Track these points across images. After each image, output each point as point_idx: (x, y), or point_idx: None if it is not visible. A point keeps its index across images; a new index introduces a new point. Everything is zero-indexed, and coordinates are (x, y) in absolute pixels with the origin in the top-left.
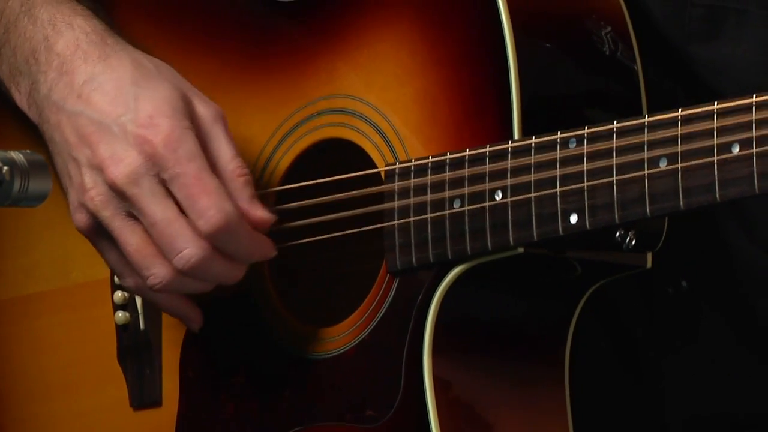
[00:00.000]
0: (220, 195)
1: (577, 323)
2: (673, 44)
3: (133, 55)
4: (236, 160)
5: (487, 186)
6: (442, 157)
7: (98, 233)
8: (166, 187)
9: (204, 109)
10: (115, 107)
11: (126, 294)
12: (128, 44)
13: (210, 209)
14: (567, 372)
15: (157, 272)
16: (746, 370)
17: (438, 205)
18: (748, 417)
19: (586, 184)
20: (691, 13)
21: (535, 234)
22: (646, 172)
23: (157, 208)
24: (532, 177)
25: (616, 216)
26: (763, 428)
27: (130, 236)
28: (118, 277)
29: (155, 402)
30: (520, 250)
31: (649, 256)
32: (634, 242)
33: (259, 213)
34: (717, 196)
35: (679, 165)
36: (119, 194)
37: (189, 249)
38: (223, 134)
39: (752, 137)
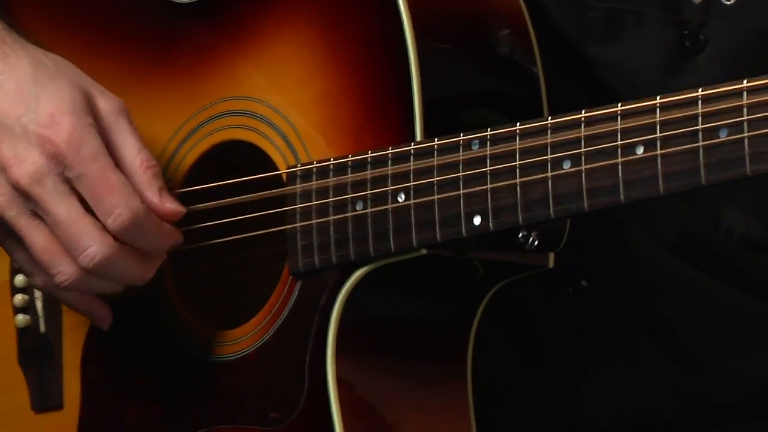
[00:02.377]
0: (126, 191)
1: (480, 324)
2: (573, 46)
3: (33, 54)
4: (142, 153)
5: (389, 188)
6: (344, 159)
7: (5, 233)
8: (71, 185)
9: (106, 104)
10: (16, 107)
11: (26, 297)
12: (27, 43)
13: (117, 207)
14: (470, 372)
15: (64, 270)
16: (654, 370)
17: (340, 207)
18: (659, 419)
19: (489, 185)
20: (590, 15)
21: (438, 235)
22: (549, 173)
23: (61, 207)
24: (435, 179)
25: (520, 217)
26: (677, 430)
27: (35, 236)
28: (26, 276)
29: (57, 405)
30: (424, 251)
31: (552, 256)
32: (536, 243)
33: (169, 205)
34: (622, 197)
35: (583, 166)
36: (23, 194)
37: (94, 247)
38: (126, 127)
39: (656, 138)
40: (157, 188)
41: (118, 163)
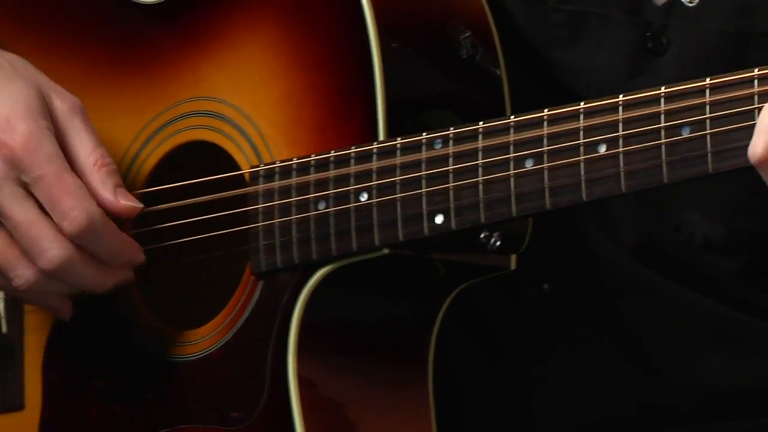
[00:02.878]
0: (82, 194)
1: (442, 325)
2: (536, 49)
3: None
4: (97, 151)
5: (352, 187)
6: (307, 159)
7: None
8: (27, 189)
9: (61, 103)
10: None
11: None
12: None
13: (73, 210)
14: (431, 373)
15: (21, 273)
16: (614, 373)
17: (303, 206)
18: (618, 421)
19: (451, 184)
20: (553, 18)
21: (400, 235)
22: (512, 172)
23: (19, 211)
24: (398, 178)
25: (482, 216)
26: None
27: None
28: None
29: (18, 406)
30: (386, 251)
31: (514, 257)
32: (498, 243)
33: (124, 202)
34: (584, 195)
35: (545, 165)
36: None
37: (52, 250)
38: (81, 126)
39: (619, 136)
40: (112, 186)
41: (73, 162)
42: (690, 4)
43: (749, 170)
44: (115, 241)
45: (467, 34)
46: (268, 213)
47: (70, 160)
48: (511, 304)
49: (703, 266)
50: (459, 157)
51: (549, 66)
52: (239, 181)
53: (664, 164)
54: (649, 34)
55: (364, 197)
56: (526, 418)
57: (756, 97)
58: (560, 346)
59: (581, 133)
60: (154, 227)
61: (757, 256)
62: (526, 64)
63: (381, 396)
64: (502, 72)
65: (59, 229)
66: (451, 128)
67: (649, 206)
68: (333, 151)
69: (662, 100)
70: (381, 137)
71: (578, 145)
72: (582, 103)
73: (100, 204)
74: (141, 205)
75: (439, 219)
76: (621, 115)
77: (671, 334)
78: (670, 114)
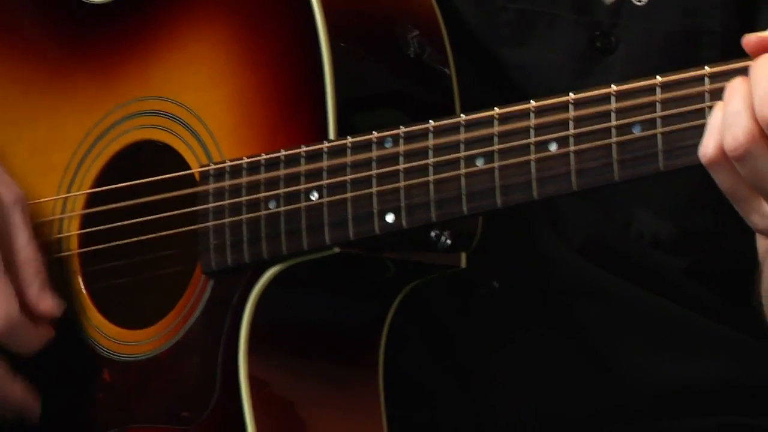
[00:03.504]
0: (6, 297)
1: (392, 324)
2: (486, 48)
3: None
4: (29, 247)
5: (302, 186)
6: (257, 158)
7: None
8: None
9: (6, 193)
10: None
11: None
12: None
13: None
14: (381, 372)
15: None
16: (566, 370)
17: (253, 205)
18: (569, 418)
19: (402, 183)
20: (501, 17)
21: (351, 234)
22: (462, 170)
23: None
24: (348, 177)
25: (433, 215)
26: (587, 429)
27: None
28: None
29: None
30: (336, 249)
31: (464, 256)
32: (449, 242)
33: (46, 304)
34: (535, 193)
35: (496, 164)
36: None
37: None
38: (20, 220)
39: (570, 135)
40: (38, 285)
41: (7, 252)
42: (639, 4)
43: (700, 168)
44: (31, 340)
45: (415, 33)
46: (219, 212)
47: (6, 250)
48: (461, 302)
49: (652, 264)
50: (409, 156)
51: (498, 65)
52: (189, 180)
53: (615, 163)
54: (598, 33)
55: (314, 196)
56: (475, 415)
57: (707, 95)
58: (510, 343)
59: (532, 131)
60: (104, 227)
61: (707, 255)
62: (475, 63)
63: (332, 395)
64: (452, 71)
65: None
66: (402, 127)
67: (599, 204)
68: (283, 151)
69: (613, 98)
70: (331, 136)
71: (529, 144)
72: (532, 102)
73: (25, 300)
74: (61, 307)
75: (389, 218)
76: (572, 113)
77: (621, 331)
78: (621, 112)
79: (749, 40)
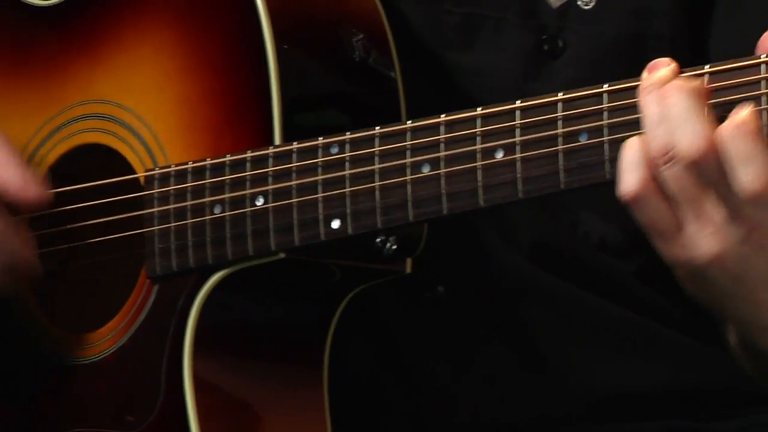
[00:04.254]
0: None
1: (337, 328)
2: (432, 53)
3: None
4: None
5: (248, 191)
6: (203, 163)
7: None
8: None
9: None
10: None
11: None
12: None
13: None
14: (326, 375)
15: None
16: (512, 374)
17: (198, 210)
18: (514, 423)
19: (348, 189)
20: (447, 20)
21: (296, 239)
22: (408, 177)
23: None
24: (294, 182)
25: (379, 221)
26: None
27: None
28: None
29: None
30: (282, 255)
31: (409, 261)
32: (394, 247)
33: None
34: (481, 201)
35: (442, 170)
36: None
37: None
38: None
39: (516, 142)
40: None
41: None
42: (586, 7)
43: None
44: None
45: (360, 37)
46: (164, 217)
47: None
48: (406, 306)
49: (599, 268)
50: (355, 161)
51: (445, 69)
52: (134, 184)
53: (561, 170)
54: (544, 36)
55: (260, 201)
56: (420, 419)
57: None
58: (455, 348)
59: (478, 138)
60: (48, 231)
61: (653, 258)
62: (421, 67)
63: (277, 398)
64: (397, 75)
65: None
66: (348, 133)
67: (546, 208)
68: (228, 155)
69: (560, 105)
70: (277, 141)
71: (475, 151)
72: (479, 109)
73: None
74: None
75: (335, 224)
76: (518, 120)
77: (567, 335)
78: (567, 120)
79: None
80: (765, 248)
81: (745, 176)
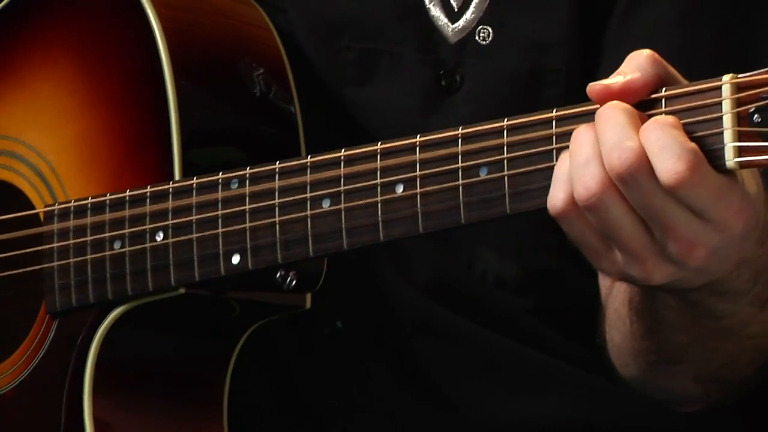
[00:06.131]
0: None
1: (237, 364)
2: (331, 88)
3: None
4: None
5: (148, 226)
6: (102, 198)
7: None
8: None
9: None
10: None
11: None
12: None
13: None
14: (226, 411)
15: None
16: (409, 410)
17: (98, 246)
18: None
19: (248, 224)
20: (345, 56)
21: (197, 275)
22: (308, 212)
23: None
24: (194, 217)
25: (279, 256)
26: None
27: None
28: None
29: None
30: (182, 290)
31: (309, 296)
32: (294, 283)
33: None
34: (381, 235)
35: (342, 205)
36: None
37: None
38: None
39: (416, 177)
40: None
41: None
42: (483, 42)
43: (546, 211)
44: None
45: (261, 72)
46: (63, 252)
47: None
48: (304, 341)
49: (495, 304)
50: (255, 197)
51: (344, 105)
52: (34, 220)
53: (461, 205)
54: (442, 71)
55: (160, 237)
56: None
57: (554, 138)
58: (352, 384)
59: (378, 173)
60: None
61: (550, 294)
62: (320, 102)
63: None
64: (297, 110)
65: None
66: (248, 168)
67: (444, 244)
68: (129, 191)
69: (459, 140)
70: (177, 176)
71: (375, 186)
72: (379, 144)
73: None
74: None
75: (235, 259)
76: (418, 155)
77: (465, 371)
78: (467, 154)
79: (593, 88)
80: (705, 270)
81: (663, 164)
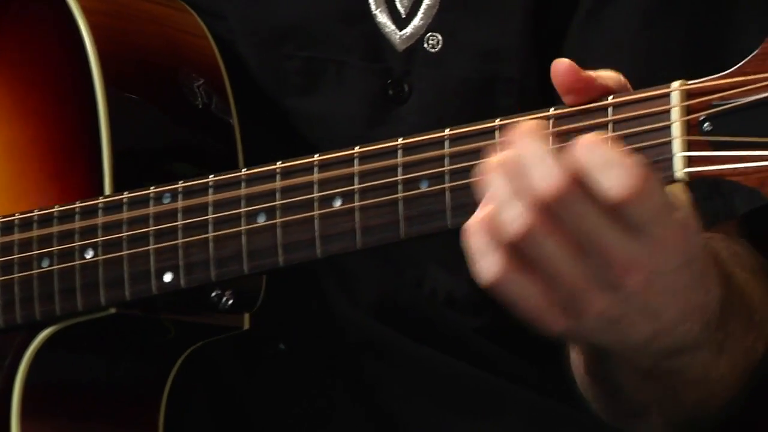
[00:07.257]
0: None
1: (174, 386)
2: (271, 98)
3: None
4: None
5: (77, 244)
6: (30, 215)
7: None
8: None
9: None
10: None
11: None
12: None
13: None
14: None
15: None
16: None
17: (25, 264)
18: None
19: (180, 240)
20: (288, 65)
21: (127, 294)
22: (243, 227)
23: None
24: (124, 234)
25: (213, 274)
26: None
27: None
28: None
29: None
30: (112, 310)
31: (247, 317)
32: (230, 302)
33: None
34: (318, 251)
35: (278, 220)
36: None
37: None
38: None
39: (355, 190)
40: None
41: None
42: (432, 50)
43: None
44: None
45: (197, 82)
46: None
47: None
48: (246, 364)
49: (445, 323)
50: (188, 212)
51: (285, 116)
52: None
53: (401, 219)
54: (390, 81)
55: (89, 254)
56: None
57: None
58: (297, 406)
59: (315, 186)
60: None
61: (501, 313)
62: (262, 114)
63: None
64: (235, 121)
65: None
66: (181, 182)
67: (391, 262)
68: (57, 206)
69: (399, 152)
70: (107, 191)
71: (312, 200)
72: (317, 156)
73: None
74: None
75: (167, 277)
76: (357, 167)
77: (412, 392)
78: (408, 166)
79: (560, 62)
80: (646, 303)
81: (608, 180)
